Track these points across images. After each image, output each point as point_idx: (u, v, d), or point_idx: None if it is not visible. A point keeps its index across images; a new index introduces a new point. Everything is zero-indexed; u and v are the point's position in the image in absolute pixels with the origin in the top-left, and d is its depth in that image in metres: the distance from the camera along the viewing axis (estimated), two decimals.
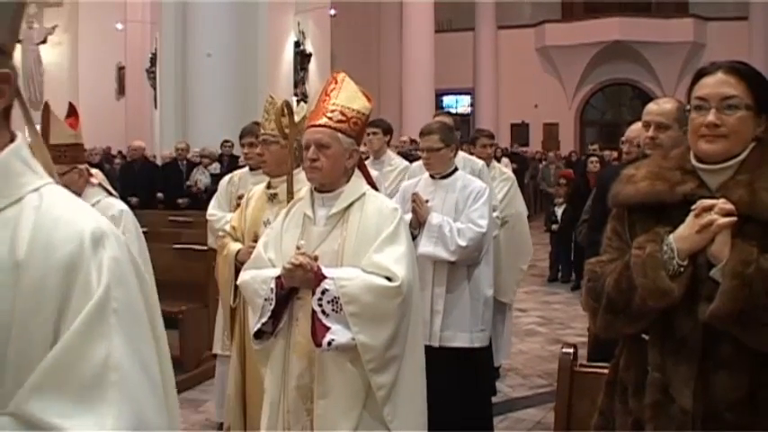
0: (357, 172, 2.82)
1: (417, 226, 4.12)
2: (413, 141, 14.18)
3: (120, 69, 22.36)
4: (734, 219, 1.76)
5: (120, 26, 21.18)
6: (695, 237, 1.79)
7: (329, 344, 2.48)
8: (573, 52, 23.36)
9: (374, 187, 2.85)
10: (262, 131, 3.67)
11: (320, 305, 2.50)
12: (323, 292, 2.50)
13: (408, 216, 4.09)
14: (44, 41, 22.89)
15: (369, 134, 6.04)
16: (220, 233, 3.87)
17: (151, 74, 16.97)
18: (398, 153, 7.59)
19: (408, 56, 21.33)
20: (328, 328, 2.49)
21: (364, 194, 2.73)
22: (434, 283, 4.17)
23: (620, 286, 1.87)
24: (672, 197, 1.89)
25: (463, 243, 4.07)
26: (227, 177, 5.19)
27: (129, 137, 17.31)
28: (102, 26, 21.50)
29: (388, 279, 2.52)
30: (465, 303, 4.21)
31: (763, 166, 1.84)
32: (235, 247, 3.63)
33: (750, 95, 1.86)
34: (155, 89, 16.22)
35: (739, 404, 1.79)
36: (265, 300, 2.65)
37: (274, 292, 2.63)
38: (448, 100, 25.24)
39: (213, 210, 5.03)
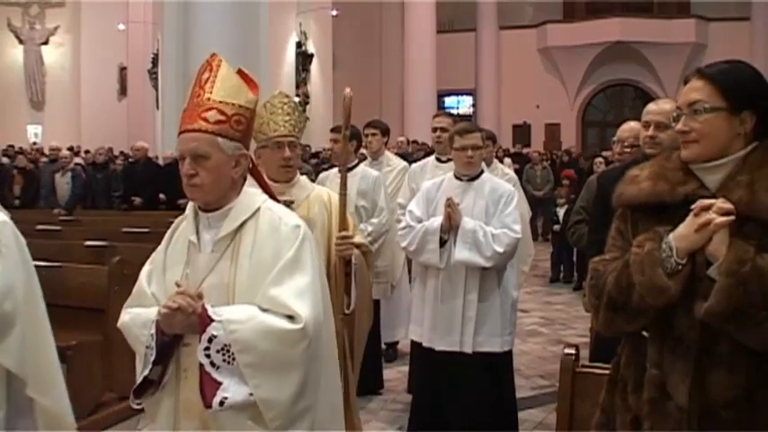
0: (251, 180, 2.35)
1: (448, 230, 4.06)
2: (412, 142, 14.22)
3: (122, 70, 22.42)
4: (731, 218, 1.77)
5: (121, 27, 21.24)
6: (694, 235, 1.80)
7: (221, 403, 2.02)
8: (575, 53, 23.34)
9: (274, 198, 2.37)
10: (280, 132, 3.19)
11: (208, 355, 2.03)
12: (210, 340, 2.03)
13: (439, 219, 4.08)
14: (46, 42, 22.96)
15: (367, 135, 6.05)
16: None
17: (153, 74, 16.99)
18: (396, 154, 7.62)
19: (410, 56, 21.33)
20: (219, 384, 2.02)
21: (258, 210, 2.22)
22: (467, 289, 4.13)
23: (619, 284, 1.89)
24: (673, 197, 1.91)
25: (501, 249, 4.01)
26: None
27: (131, 137, 17.35)
28: (104, 27, 21.55)
29: (290, 318, 2.07)
30: (496, 308, 4.17)
31: (764, 166, 1.85)
32: None
33: (719, 96, 1.87)
34: (156, 90, 16.23)
35: (736, 403, 1.79)
36: (147, 347, 2.16)
37: (155, 338, 2.14)
38: (449, 101, 25.22)
39: None
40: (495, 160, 6.23)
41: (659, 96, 22.55)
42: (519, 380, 6.03)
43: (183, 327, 2.09)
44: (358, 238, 3.21)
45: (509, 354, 4.33)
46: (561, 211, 10.46)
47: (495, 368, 4.23)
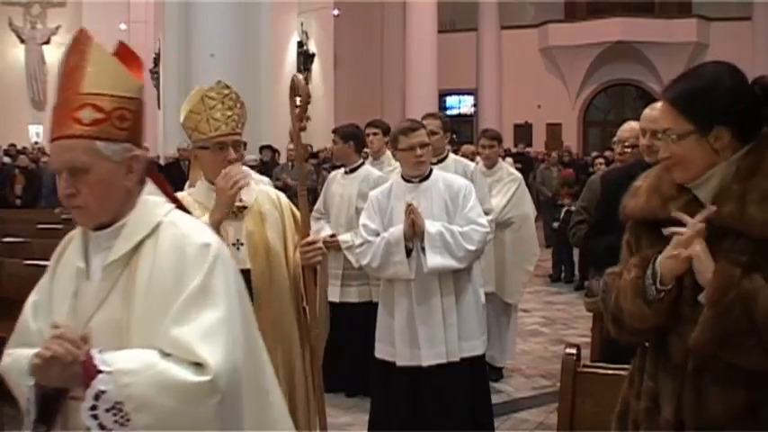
0: (151, 187, 1.85)
1: (411, 238, 3.81)
2: None
3: None
4: (698, 249, 1.75)
5: (123, 26, 21.23)
6: (671, 263, 1.79)
7: None
8: (576, 52, 23.33)
9: (181, 207, 1.88)
10: (222, 132, 2.75)
11: (95, 416, 1.60)
12: (97, 396, 1.60)
13: (399, 228, 3.84)
14: (48, 42, 22.96)
15: (369, 135, 6.03)
16: None
17: (154, 74, 16.97)
18: None
19: (411, 56, 21.31)
20: None
21: (159, 225, 1.77)
22: (442, 293, 3.89)
23: (618, 304, 1.92)
24: (665, 213, 1.89)
25: (472, 247, 3.82)
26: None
27: None
28: (106, 26, 21.45)
29: (198, 365, 1.64)
30: (472, 308, 3.99)
31: (756, 174, 1.80)
32: None
33: (684, 121, 1.83)
34: (158, 90, 16.23)
35: (735, 420, 1.77)
36: (27, 400, 1.75)
37: (33, 390, 1.71)
38: (451, 100, 25.22)
39: None
40: (500, 160, 6.22)
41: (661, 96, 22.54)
42: (520, 379, 6.05)
43: (62, 379, 1.64)
44: (320, 243, 2.90)
45: (483, 357, 4.21)
46: (562, 210, 10.47)
47: (476, 369, 4.07)
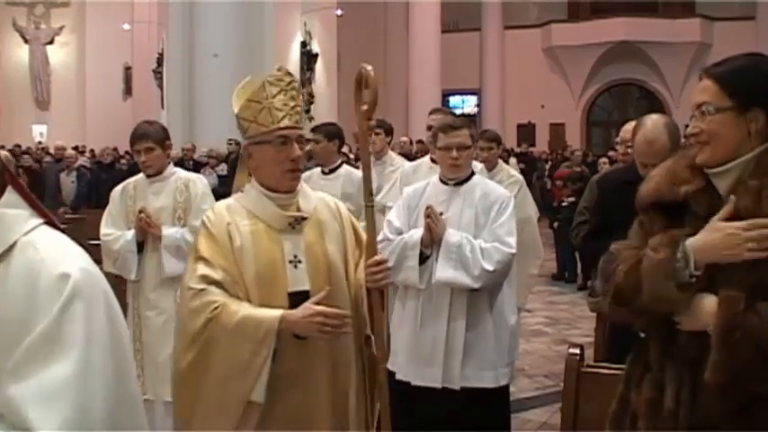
0: (12, 197, 1.34)
1: (430, 244, 3.48)
2: (417, 142, 14.21)
3: (127, 70, 22.48)
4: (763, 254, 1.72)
5: (126, 26, 21.32)
6: (718, 252, 1.75)
7: None
8: (579, 52, 23.34)
9: (51, 223, 1.43)
10: (286, 124, 2.38)
11: None
12: None
13: (419, 231, 3.52)
14: (51, 42, 23.05)
15: (372, 135, 6.00)
16: (194, 286, 2.31)
17: (158, 74, 17.01)
18: (400, 153, 7.62)
19: (415, 56, 21.34)
20: None
21: (15, 245, 1.30)
22: (451, 315, 3.52)
23: (629, 282, 1.85)
24: (672, 196, 1.87)
25: (490, 267, 3.40)
26: (119, 187, 4.31)
27: None
28: (109, 26, 21.63)
29: None
30: (489, 336, 3.57)
31: None
32: (266, 313, 2.28)
33: (724, 96, 1.83)
34: (161, 89, 16.27)
35: (732, 414, 1.75)
36: None
37: None
38: (454, 100, 25.24)
39: (107, 228, 4.15)
40: (501, 162, 6.17)
41: (664, 96, 22.61)
42: (523, 379, 6.05)
43: None
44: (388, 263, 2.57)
45: (505, 389, 3.72)
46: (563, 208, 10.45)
47: (488, 406, 3.61)
